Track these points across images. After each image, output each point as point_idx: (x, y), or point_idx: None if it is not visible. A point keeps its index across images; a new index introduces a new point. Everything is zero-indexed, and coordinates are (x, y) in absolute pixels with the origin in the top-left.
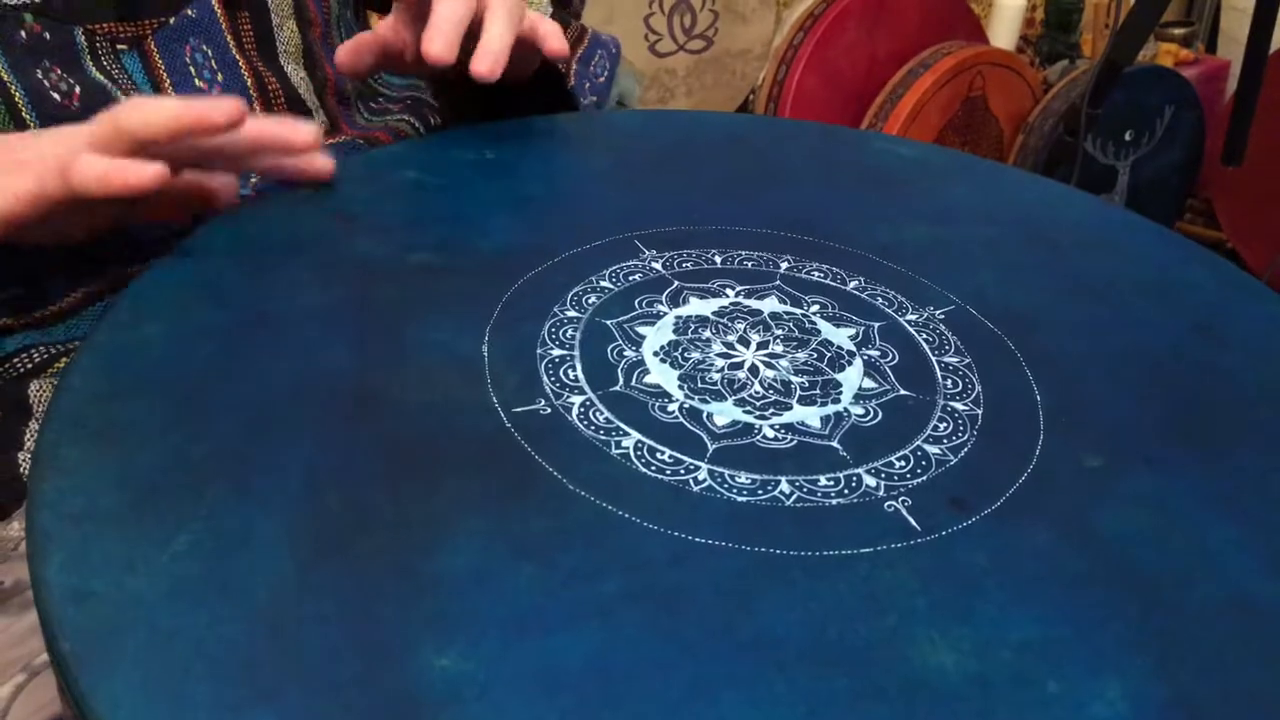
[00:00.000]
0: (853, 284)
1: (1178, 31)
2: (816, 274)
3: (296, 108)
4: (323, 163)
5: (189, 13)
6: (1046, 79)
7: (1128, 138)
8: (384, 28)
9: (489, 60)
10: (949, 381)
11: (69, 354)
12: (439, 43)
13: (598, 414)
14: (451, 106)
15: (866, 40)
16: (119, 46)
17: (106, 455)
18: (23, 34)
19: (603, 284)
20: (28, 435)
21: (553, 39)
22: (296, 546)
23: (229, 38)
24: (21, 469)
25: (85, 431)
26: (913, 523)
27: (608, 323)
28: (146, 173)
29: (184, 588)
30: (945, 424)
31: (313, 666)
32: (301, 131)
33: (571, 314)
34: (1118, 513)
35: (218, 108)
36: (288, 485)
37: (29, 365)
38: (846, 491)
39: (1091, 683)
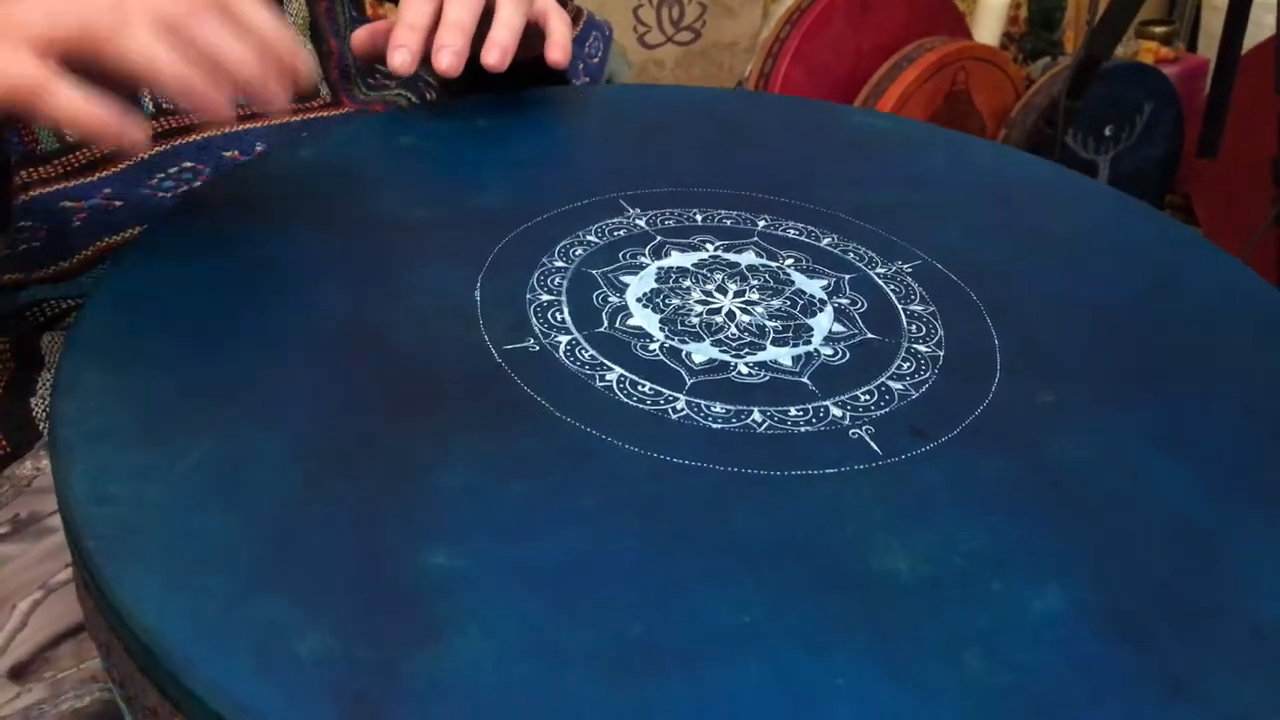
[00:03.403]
0: (826, 241)
1: (1158, 30)
2: (792, 231)
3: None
4: None
5: None
6: (1029, 76)
7: (1108, 133)
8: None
9: (497, 52)
10: (914, 327)
11: (79, 308)
12: (446, 55)
13: (583, 351)
14: (446, 83)
15: (852, 34)
16: None
17: (124, 380)
18: None
19: (589, 238)
20: (40, 384)
21: (556, 49)
22: (302, 462)
23: None
24: (34, 414)
25: (104, 360)
26: (875, 448)
27: (593, 272)
28: (138, 134)
29: (197, 496)
30: (909, 364)
31: (318, 562)
32: None
33: (559, 264)
34: (1066, 442)
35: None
36: (294, 409)
37: (41, 319)
38: (815, 420)
39: (1033, 586)
